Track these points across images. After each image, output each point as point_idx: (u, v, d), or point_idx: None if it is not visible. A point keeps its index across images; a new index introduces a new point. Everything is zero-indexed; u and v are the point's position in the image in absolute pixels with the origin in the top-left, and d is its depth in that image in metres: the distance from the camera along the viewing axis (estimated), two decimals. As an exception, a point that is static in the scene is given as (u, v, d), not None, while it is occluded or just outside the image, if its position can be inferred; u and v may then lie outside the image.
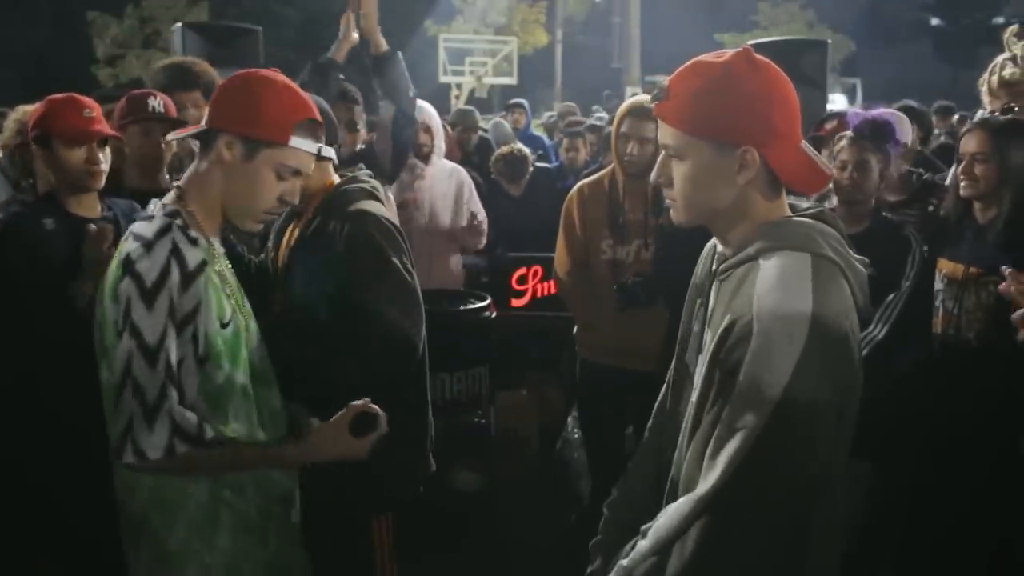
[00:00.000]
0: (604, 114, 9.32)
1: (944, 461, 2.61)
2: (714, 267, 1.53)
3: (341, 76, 3.35)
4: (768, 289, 1.34)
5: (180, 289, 1.64)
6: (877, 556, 3.00)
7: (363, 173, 2.34)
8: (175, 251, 1.65)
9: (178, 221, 1.70)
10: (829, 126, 3.68)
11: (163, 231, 1.67)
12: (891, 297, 2.77)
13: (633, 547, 1.47)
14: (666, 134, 1.44)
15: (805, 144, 1.46)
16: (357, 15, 3.27)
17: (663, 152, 1.47)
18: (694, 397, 1.46)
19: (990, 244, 2.57)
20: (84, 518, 2.25)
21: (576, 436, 4.07)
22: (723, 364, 1.35)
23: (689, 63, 1.44)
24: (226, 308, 1.75)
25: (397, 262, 2.17)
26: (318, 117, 1.78)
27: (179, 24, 5.14)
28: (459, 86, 19.48)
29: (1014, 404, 2.40)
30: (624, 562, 1.47)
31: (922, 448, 2.67)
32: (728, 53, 1.42)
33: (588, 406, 3.43)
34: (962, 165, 2.64)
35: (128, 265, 1.64)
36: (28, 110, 2.66)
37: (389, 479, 2.26)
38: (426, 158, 4.12)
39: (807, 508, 1.36)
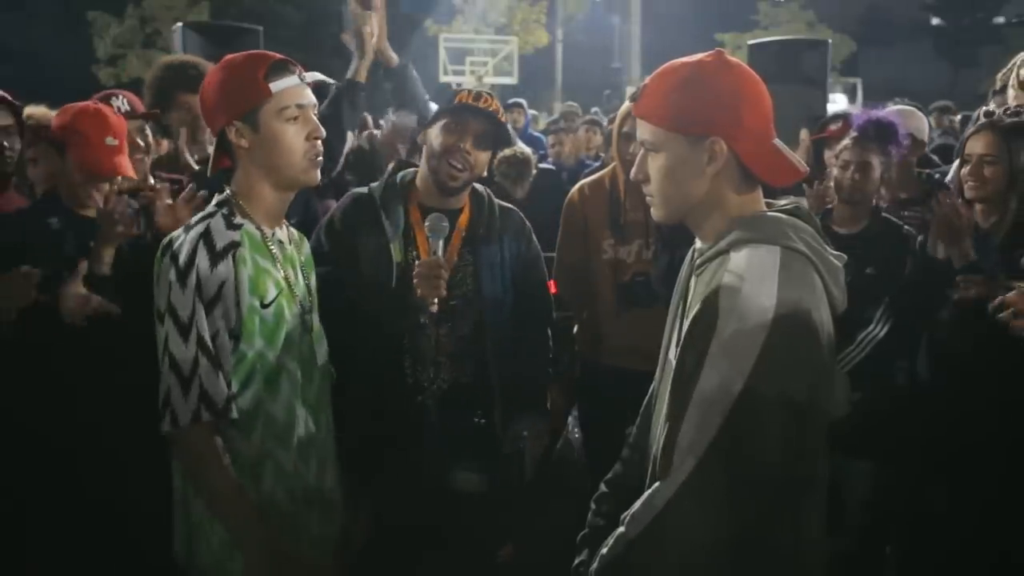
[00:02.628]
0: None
1: (951, 466, 2.59)
2: (694, 262, 1.58)
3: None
4: (735, 280, 1.39)
5: (208, 268, 1.74)
6: (878, 556, 3.00)
7: None
8: (205, 233, 1.77)
9: (224, 209, 1.84)
10: (834, 127, 3.68)
11: (204, 217, 1.82)
12: (891, 296, 2.76)
13: (615, 536, 1.50)
14: (644, 130, 1.52)
15: (778, 142, 1.51)
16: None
17: (641, 149, 1.53)
18: (670, 385, 1.50)
19: (993, 249, 2.53)
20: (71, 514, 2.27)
21: (576, 436, 4.07)
22: (692, 351, 1.41)
23: (665, 64, 1.52)
24: (269, 289, 1.83)
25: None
26: (276, 56, 1.84)
27: (179, 24, 5.14)
28: (459, 86, 19.46)
29: (1014, 411, 2.39)
30: (604, 551, 1.50)
31: (928, 452, 2.67)
32: (703, 54, 1.51)
33: (588, 406, 3.42)
34: (969, 167, 2.59)
35: (167, 248, 1.78)
36: (29, 112, 2.65)
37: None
38: None
39: (778, 494, 1.39)
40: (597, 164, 5.52)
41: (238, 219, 1.84)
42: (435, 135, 2.41)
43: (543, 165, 5.83)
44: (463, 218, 2.50)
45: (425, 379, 2.42)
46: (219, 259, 1.76)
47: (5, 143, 2.48)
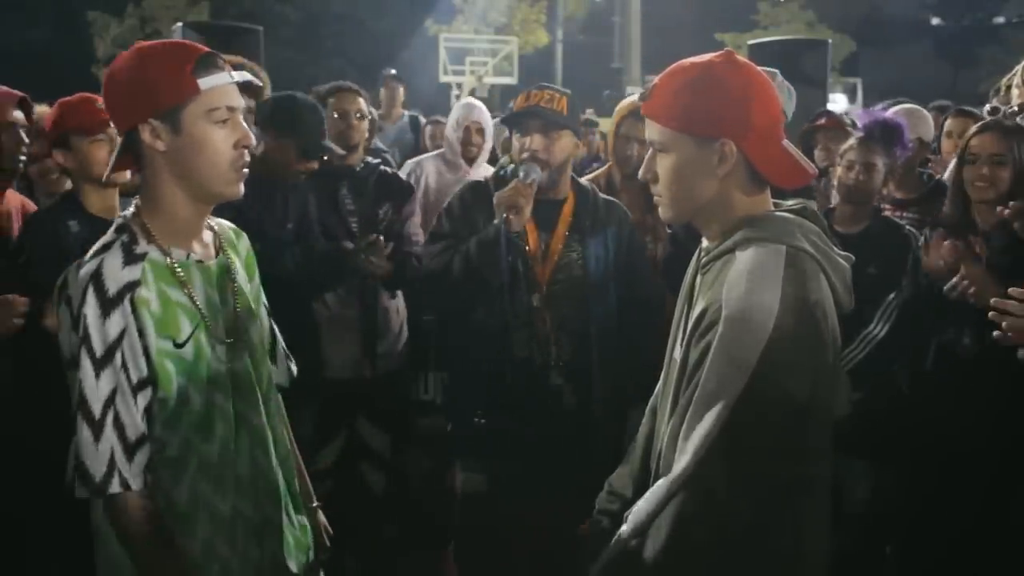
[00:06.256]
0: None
1: (948, 468, 2.59)
2: (700, 261, 1.58)
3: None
4: (739, 278, 1.39)
5: (99, 317, 1.51)
6: (878, 556, 3.01)
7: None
8: (96, 276, 1.53)
9: (124, 237, 1.59)
10: (819, 121, 3.75)
11: (99, 251, 1.58)
12: (892, 296, 2.77)
13: (617, 534, 1.50)
14: (652, 131, 1.51)
15: (787, 143, 1.51)
16: None
17: (650, 149, 1.53)
18: (673, 383, 1.51)
19: (995, 249, 2.52)
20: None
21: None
22: (695, 349, 1.41)
23: (674, 64, 1.51)
24: (182, 326, 1.60)
25: None
26: (203, 49, 1.60)
27: (179, 24, 5.15)
28: (460, 86, 19.47)
29: (1016, 411, 2.39)
30: (607, 548, 1.50)
31: (926, 453, 2.67)
32: (712, 55, 1.50)
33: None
34: (976, 166, 2.58)
35: (63, 289, 1.59)
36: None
37: None
38: (472, 161, 4.09)
39: (779, 493, 1.39)
40: (597, 165, 5.52)
41: (141, 247, 1.58)
42: (513, 147, 2.63)
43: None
44: (567, 208, 2.65)
45: (537, 356, 2.58)
46: (112, 307, 1.51)
47: (23, 141, 2.47)
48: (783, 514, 1.41)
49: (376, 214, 3.20)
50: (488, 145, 4.16)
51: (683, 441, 1.39)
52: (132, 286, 1.55)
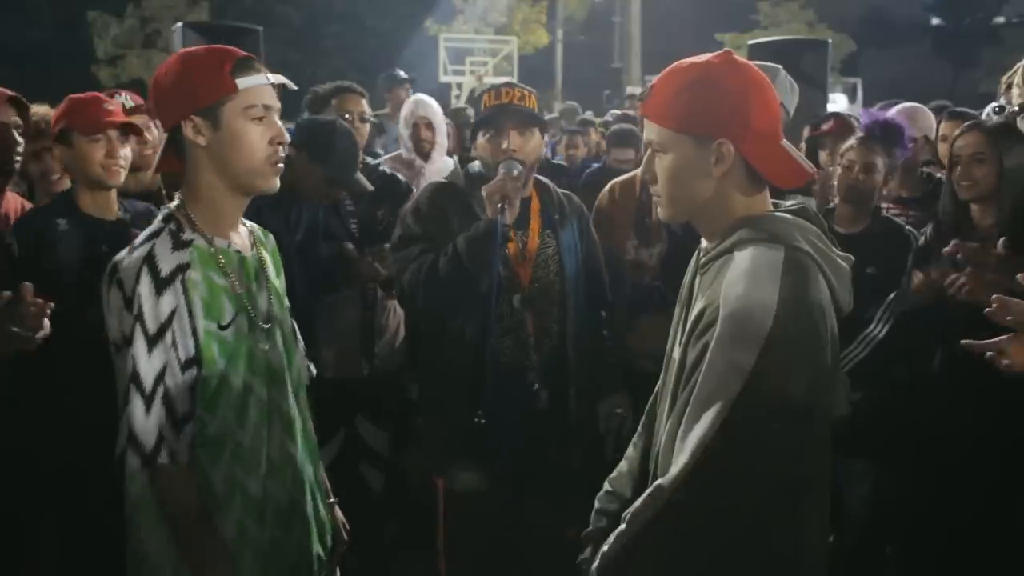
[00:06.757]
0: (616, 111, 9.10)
1: (948, 468, 2.59)
2: (699, 261, 1.58)
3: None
4: (737, 279, 1.39)
5: (153, 297, 1.62)
6: (879, 556, 3.00)
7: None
8: (149, 258, 1.64)
9: (171, 225, 1.70)
10: (826, 126, 3.71)
11: (149, 237, 1.69)
12: (892, 296, 2.76)
13: (616, 534, 1.50)
14: (651, 131, 1.51)
15: (786, 143, 1.50)
16: None
17: (648, 149, 1.53)
18: (671, 383, 1.51)
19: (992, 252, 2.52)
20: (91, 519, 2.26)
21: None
22: (693, 349, 1.41)
23: (673, 64, 1.51)
24: (226, 309, 1.71)
25: None
26: (242, 52, 1.73)
27: (180, 24, 5.14)
28: (460, 86, 19.48)
29: (1014, 412, 2.39)
30: (604, 548, 1.49)
31: (926, 453, 2.66)
32: (711, 55, 1.50)
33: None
34: (960, 168, 2.60)
35: (113, 273, 1.66)
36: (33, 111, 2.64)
37: None
38: (427, 156, 4.11)
39: (777, 493, 1.38)
40: (598, 165, 5.52)
41: (187, 234, 1.70)
42: (482, 146, 2.54)
43: (554, 161, 5.85)
44: (534, 204, 2.62)
45: (516, 359, 2.53)
46: (165, 286, 1.63)
47: (17, 141, 2.46)
48: (782, 514, 1.41)
49: (375, 215, 3.20)
50: (440, 139, 4.17)
51: (681, 441, 1.38)
52: (183, 268, 1.66)
